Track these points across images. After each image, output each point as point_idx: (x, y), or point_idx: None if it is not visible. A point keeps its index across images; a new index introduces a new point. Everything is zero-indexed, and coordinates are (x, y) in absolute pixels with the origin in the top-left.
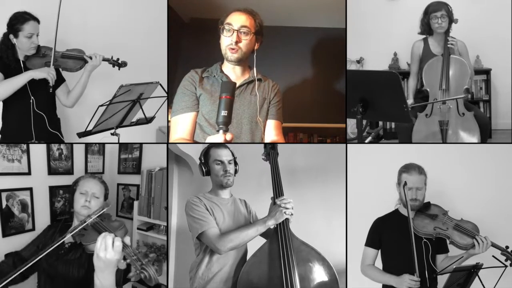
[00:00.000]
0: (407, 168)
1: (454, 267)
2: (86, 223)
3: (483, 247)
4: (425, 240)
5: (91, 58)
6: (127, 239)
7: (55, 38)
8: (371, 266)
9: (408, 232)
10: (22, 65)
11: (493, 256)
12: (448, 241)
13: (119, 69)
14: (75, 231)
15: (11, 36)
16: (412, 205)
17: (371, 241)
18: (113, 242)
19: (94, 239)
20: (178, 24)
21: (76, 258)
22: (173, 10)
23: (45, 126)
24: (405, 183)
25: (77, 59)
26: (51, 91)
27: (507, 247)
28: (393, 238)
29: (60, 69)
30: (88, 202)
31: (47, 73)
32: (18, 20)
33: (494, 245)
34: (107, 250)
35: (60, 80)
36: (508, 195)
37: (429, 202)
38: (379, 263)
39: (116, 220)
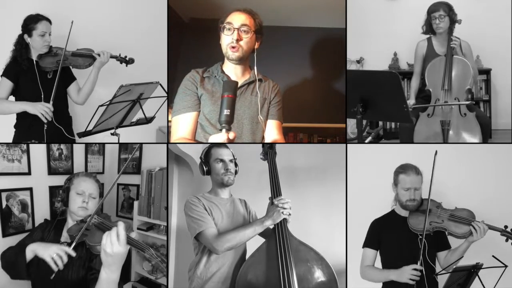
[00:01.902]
0: (404, 168)
1: (454, 267)
2: (87, 223)
3: (480, 232)
4: (420, 237)
5: (99, 55)
6: (133, 234)
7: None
8: (369, 267)
9: (406, 231)
10: (35, 65)
11: (493, 256)
12: (446, 233)
13: (126, 66)
14: (81, 232)
15: (26, 36)
16: (410, 205)
17: (370, 242)
18: (117, 236)
19: (100, 241)
20: (178, 24)
21: (75, 260)
22: (173, 10)
23: (51, 121)
24: (434, 162)
25: (86, 57)
26: (45, 127)
27: (506, 226)
28: (391, 238)
29: (71, 67)
30: (85, 204)
31: (37, 111)
32: (32, 20)
33: (491, 228)
34: (113, 245)
35: (71, 78)
36: (508, 195)
37: (420, 198)
38: (378, 265)
39: (118, 220)
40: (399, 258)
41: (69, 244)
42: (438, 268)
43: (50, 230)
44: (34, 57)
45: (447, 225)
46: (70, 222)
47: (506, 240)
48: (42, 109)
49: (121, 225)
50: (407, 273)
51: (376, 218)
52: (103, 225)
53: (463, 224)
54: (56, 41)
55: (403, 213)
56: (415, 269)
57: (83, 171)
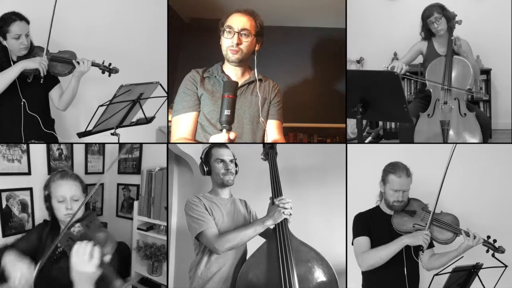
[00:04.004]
0: (395, 169)
1: (454, 267)
2: (63, 232)
3: (473, 240)
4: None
5: (79, 63)
6: (107, 258)
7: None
8: (369, 250)
9: (390, 229)
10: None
11: (492, 256)
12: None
13: (109, 76)
14: (60, 240)
15: (1, 39)
16: (396, 205)
17: (361, 231)
18: (90, 257)
19: None
20: (178, 24)
21: (66, 266)
22: (173, 10)
23: (39, 127)
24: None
25: (66, 63)
26: (42, 81)
27: (488, 237)
28: (377, 234)
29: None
30: (70, 209)
31: (38, 63)
32: (5, 21)
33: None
34: (82, 264)
35: (54, 81)
36: (508, 195)
37: (407, 199)
38: None
39: (102, 231)
40: None
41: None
42: (421, 267)
43: (48, 233)
44: (13, 59)
45: (430, 230)
46: (63, 227)
47: (487, 251)
48: (42, 62)
49: (96, 250)
50: (421, 236)
51: (360, 212)
52: (85, 236)
53: (446, 230)
54: (50, 43)
55: (388, 211)
56: (427, 234)
57: (84, 171)
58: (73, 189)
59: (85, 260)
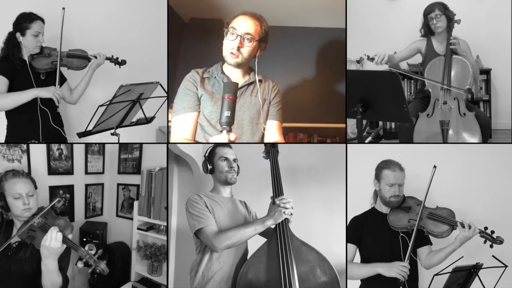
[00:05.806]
0: (388, 164)
1: (454, 267)
2: (29, 223)
3: (468, 230)
4: (402, 234)
5: (95, 57)
6: (70, 236)
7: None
8: (350, 262)
9: (387, 228)
10: (28, 65)
11: (493, 256)
12: (424, 232)
13: (119, 67)
14: (21, 232)
15: (18, 35)
16: (394, 201)
17: (351, 237)
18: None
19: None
20: (178, 24)
21: (27, 257)
22: (173, 10)
23: (48, 122)
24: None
25: (82, 58)
26: (58, 110)
27: (486, 228)
28: (372, 235)
29: (66, 68)
30: (27, 205)
31: (52, 93)
32: (26, 19)
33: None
34: (51, 241)
35: (62, 79)
36: (508, 195)
37: (403, 195)
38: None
39: (59, 218)
40: (379, 255)
41: (20, 243)
42: (420, 267)
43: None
44: (25, 57)
45: (425, 223)
46: (17, 224)
47: (485, 242)
48: (56, 92)
49: (55, 228)
50: (396, 268)
51: (355, 215)
52: (46, 226)
53: (441, 223)
54: (48, 41)
55: (384, 210)
56: (404, 266)
57: (84, 171)
58: (26, 185)
59: (52, 238)
